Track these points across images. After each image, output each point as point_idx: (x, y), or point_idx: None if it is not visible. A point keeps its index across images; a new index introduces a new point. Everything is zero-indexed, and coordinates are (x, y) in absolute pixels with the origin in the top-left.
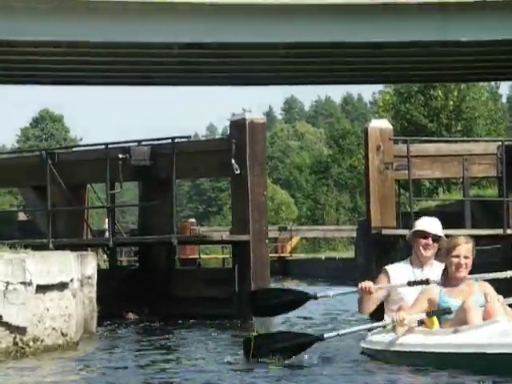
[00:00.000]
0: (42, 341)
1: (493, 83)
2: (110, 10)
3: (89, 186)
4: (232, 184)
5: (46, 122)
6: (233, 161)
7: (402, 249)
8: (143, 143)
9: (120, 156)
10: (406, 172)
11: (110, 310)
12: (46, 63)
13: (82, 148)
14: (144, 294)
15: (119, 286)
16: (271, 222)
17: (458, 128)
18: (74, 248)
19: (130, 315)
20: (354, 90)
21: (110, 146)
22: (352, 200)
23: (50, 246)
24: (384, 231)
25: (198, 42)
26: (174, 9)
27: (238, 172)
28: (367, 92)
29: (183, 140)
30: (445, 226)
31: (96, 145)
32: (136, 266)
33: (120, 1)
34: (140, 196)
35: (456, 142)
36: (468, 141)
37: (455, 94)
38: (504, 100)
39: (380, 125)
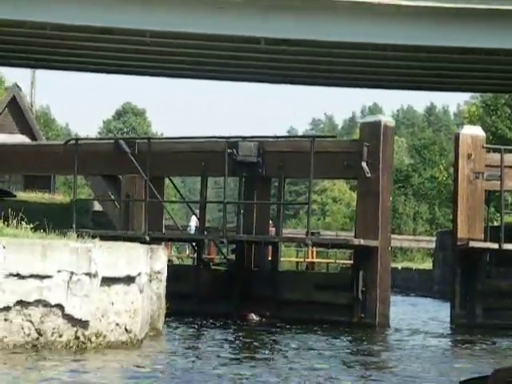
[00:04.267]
0: (105, 336)
1: None
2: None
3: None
4: (360, 187)
5: (128, 115)
6: (363, 164)
7: (489, 263)
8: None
9: (229, 151)
10: (497, 182)
11: (197, 308)
12: (131, 52)
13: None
14: (246, 294)
15: (211, 283)
16: (346, 229)
17: None
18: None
19: (253, 316)
20: (438, 101)
21: (208, 140)
22: (430, 211)
23: (147, 238)
24: (471, 243)
25: (287, 38)
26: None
27: (369, 175)
28: (452, 103)
29: (299, 138)
30: None
31: (191, 138)
32: (226, 263)
33: None
34: (242, 193)
35: None
36: None
37: None
38: None
39: (472, 132)
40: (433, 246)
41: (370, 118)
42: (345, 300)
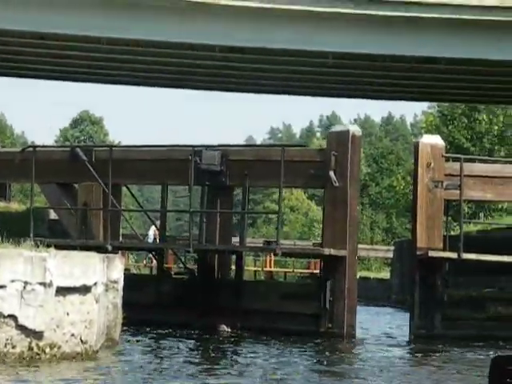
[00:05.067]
0: (60, 347)
1: None
2: (153, 7)
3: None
4: (327, 196)
5: (85, 123)
6: (331, 173)
7: (448, 273)
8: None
9: (190, 158)
10: (457, 191)
11: (164, 317)
12: (84, 59)
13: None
14: (208, 304)
15: (173, 292)
16: (303, 238)
17: (502, 154)
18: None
19: (224, 327)
20: (396, 111)
21: (170, 148)
22: (388, 220)
23: (109, 247)
24: (431, 253)
25: (241, 46)
26: (219, 11)
27: (337, 185)
28: (409, 113)
29: (268, 146)
30: (492, 251)
31: (153, 146)
32: (186, 273)
33: None
34: (205, 202)
35: None
36: None
37: (501, 119)
38: None
39: (432, 141)
40: (390, 255)
41: (337, 128)
42: (312, 310)
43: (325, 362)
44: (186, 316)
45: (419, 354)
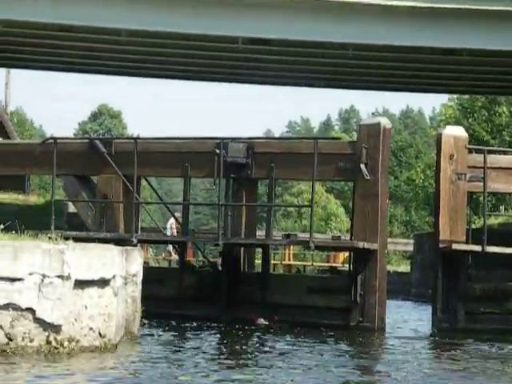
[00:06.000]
0: (78, 341)
1: None
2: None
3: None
4: (358, 189)
5: (104, 117)
6: (362, 166)
7: (471, 266)
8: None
9: (217, 151)
10: (480, 184)
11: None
12: (105, 51)
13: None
14: (235, 297)
15: (197, 285)
16: (321, 232)
17: None
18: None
19: (262, 321)
20: (414, 104)
21: (193, 141)
22: (406, 214)
23: (134, 240)
24: (454, 246)
25: (264, 38)
26: (241, 2)
27: (368, 178)
28: (427, 106)
29: (302, 139)
30: None
31: (176, 138)
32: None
33: None
34: (230, 195)
35: None
36: None
37: None
38: None
39: (454, 132)
40: (409, 248)
41: (369, 120)
42: (342, 304)
43: (357, 356)
44: (211, 310)
45: (443, 348)
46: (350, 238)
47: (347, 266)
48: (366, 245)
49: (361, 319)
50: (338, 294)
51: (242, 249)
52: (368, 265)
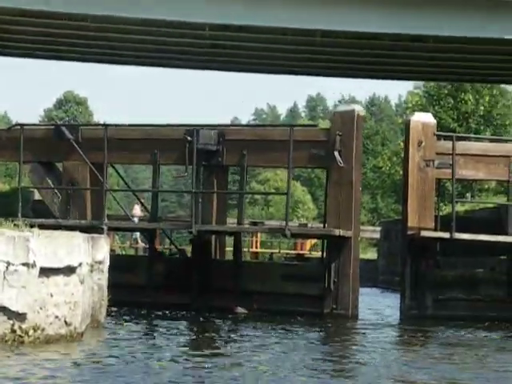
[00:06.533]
0: (43, 330)
1: None
2: None
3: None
4: (332, 177)
5: (70, 104)
6: (336, 153)
7: (440, 253)
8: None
9: (188, 138)
10: (448, 171)
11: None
12: (73, 38)
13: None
14: (206, 285)
15: (167, 273)
16: (290, 219)
17: (488, 134)
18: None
19: (240, 309)
20: (380, 91)
21: (163, 127)
22: (373, 201)
23: (104, 228)
24: (423, 233)
25: (231, 24)
26: None
27: (342, 165)
28: (393, 94)
29: (277, 126)
30: (481, 231)
31: (146, 125)
32: (178, 253)
33: None
34: (200, 182)
35: (506, 141)
36: None
37: (487, 99)
38: None
39: (423, 118)
40: (376, 235)
41: (343, 107)
42: (315, 291)
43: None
44: (182, 297)
45: (411, 335)
46: (324, 226)
47: (314, 253)
48: (342, 232)
49: (334, 306)
50: (312, 281)
51: (213, 236)
52: (342, 252)
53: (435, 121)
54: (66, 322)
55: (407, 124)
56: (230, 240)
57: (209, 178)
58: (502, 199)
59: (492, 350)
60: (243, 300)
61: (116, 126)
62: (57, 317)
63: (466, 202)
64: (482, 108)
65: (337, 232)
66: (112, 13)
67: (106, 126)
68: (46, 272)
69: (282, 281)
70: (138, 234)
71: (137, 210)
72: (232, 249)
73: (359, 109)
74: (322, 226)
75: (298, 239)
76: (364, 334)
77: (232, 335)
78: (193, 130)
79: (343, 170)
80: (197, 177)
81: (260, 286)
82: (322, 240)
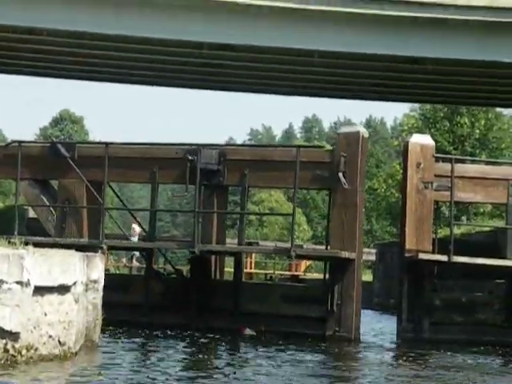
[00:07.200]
0: (37, 349)
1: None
2: (139, 3)
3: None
4: (336, 198)
5: (65, 122)
6: (340, 174)
7: (436, 276)
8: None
9: (189, 158)
10: (447, 193)
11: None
12: (65, 55)
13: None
14: (205, 305)
15: (165, 293)
16: (283, 240)
17: (483, 157)
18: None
19: (248, 331)
20: (376, 113)
21: (162, 147)
22: (368, 223)
23: (104, 246)
24: (421, 255)
25: (229, 44)
26: (205, 7)
27: (347, 187)
28: (389, 116)
29: (285, 147)
30: (478, 254)
31: (146, 144)
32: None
33: None
34: (201, 202)
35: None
36: None
37: (482, 122)
38: None
39: (422, 140)
40: (370, 257)
41: (347, 128)
42: (317, 313)
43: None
44: (179, 317)
45: (406, 358)
46: (326, 247)
47: (309, 274)
48: (347, 254)
49: (337, 329)
50: (314, 303)
51: (213, 256)
52: (345, 274)
53: (434, 143)
54: (59, 341)
55: (406, 146)
56: (227, 260)
57: (209, 197)
58: (497, 223)
59: (488, 374)
60: (244, 321)
61: (117, 144)
62: (50, 336)
63: (464, 224)
64: (477, 131)
65: (343, 254)
66: (107, 31)
67: (106, 144)
68: (40, 291)
69: (283, 302)
70: (136, 253)
71: (136, 229)
72: (230, 269)
73: (363, 130)
74: (315, 247)
75: (293, 260)
76: (359, 356)
77: (232, 357)
78: (194, 149)
79: (347, 192)
80: (197, 196)
81: (260, 307)
82: (324, 262)
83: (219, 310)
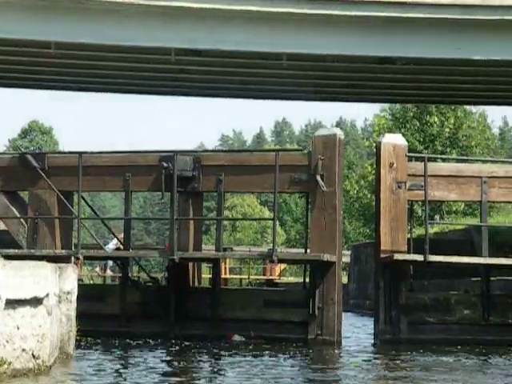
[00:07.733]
0: (10, 363)
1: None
2: (104, 10)
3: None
4: (315, 201)
5: (34, 133)
6: (318, 177)
7: (412, 276)
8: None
9: (164, 165)
10: (420, 192)
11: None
12: (34, 65)
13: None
14: (184, 313)
15: (143, 302)
16: (257, 245)
17: (454, 155)
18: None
19: (237, 337)
20: (347, 115)
21: (136, 154)
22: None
23: (80, 256)
24: (396, 256)
25: (197, 49)
26: (174, 14)
27: (325, 189)
28: (359, 118)
29: (264, 151)
30: (453, 253)
31: (119, 152)
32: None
33: (114, 1)
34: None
35: (476, 161)
36: (489, 161)
37: (451, 121)
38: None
39: (394, 140)
40: (345, 259)
41: (324, 131)
42: (299, 317)
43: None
44: (158, 326)
45: (384, 359)
46: (305, 251)
47: (284, 278)
48: (328, 257)
49: (319, 332)
50: (295, 307)
51: (190, 263)
52: (326, 277)
53: (406, 142)
54: (33, 355)
55: (378, 146)
56: (202, 266)
57: (185, 204)
58: (470, 220)
59: (468, 372)
60: (226, 327)
61: (90, 153)
62: (24, 350)
63: (438, 223)
64: (447, 130)
65: (324, 257)
66: (76, 39)
67: (80, 153)
68: (12, 304)
69: (265, 307)
70: (110, 261)
71: (114, 240)
72: (205, 275)
73: (340, 133)
74: (290, 250)
75: (267, 265)
76: (346, 359)
77: (212, 364)
78: (169, 156)
79: (326, 195)
80: (172, 203)
81: (241, 313)
82: (304, 265)
83: (198, 318)
